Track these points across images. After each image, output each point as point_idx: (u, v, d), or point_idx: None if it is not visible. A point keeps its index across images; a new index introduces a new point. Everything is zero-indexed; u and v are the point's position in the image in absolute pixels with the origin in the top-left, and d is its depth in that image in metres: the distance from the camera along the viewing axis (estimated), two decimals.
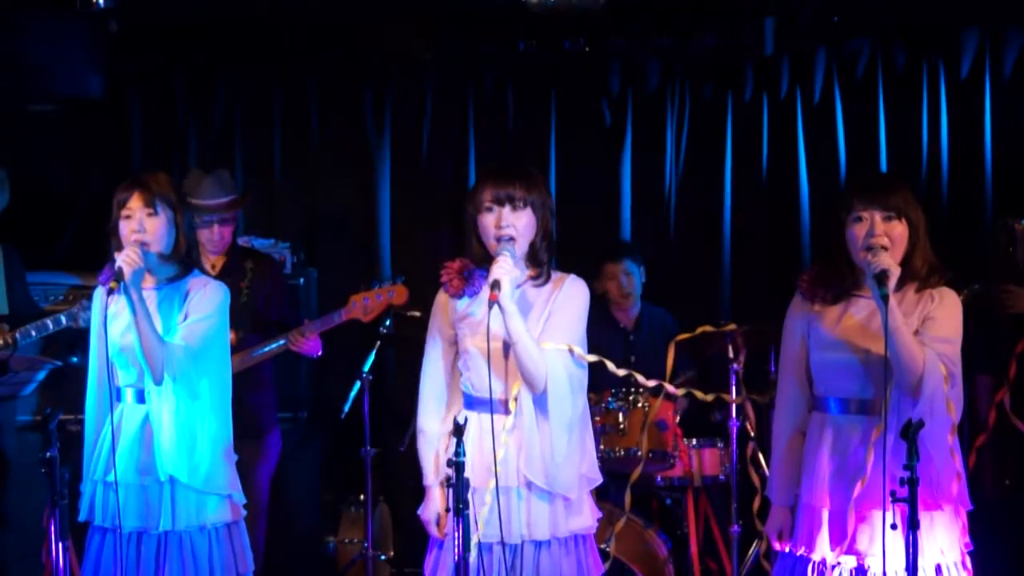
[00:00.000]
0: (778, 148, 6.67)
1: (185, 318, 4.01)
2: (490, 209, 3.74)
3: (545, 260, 3.82)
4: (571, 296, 3.81)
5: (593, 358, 3.86)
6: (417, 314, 5.61)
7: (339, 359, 5.86)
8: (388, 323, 5.65)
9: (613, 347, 5.93)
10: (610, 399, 5.51)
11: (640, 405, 5.50)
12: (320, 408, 6.20)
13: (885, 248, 3.57)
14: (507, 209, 3.72)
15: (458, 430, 3.46)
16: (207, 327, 4.01)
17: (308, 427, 6.19)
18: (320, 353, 5.38)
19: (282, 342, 5.26)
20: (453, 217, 6.46)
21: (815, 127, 6.63)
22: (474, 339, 3.79)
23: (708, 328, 5.23)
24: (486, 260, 3.74)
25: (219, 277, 4.57)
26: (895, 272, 3.52)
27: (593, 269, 6.06)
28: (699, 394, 4.61)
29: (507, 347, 3.71)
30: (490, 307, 3.57)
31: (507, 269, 3.62)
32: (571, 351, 3.75)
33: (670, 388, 4.48)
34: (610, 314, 6.17)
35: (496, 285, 3.57)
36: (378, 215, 6.65)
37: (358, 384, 5.64)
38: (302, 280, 6.20)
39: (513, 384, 3.74)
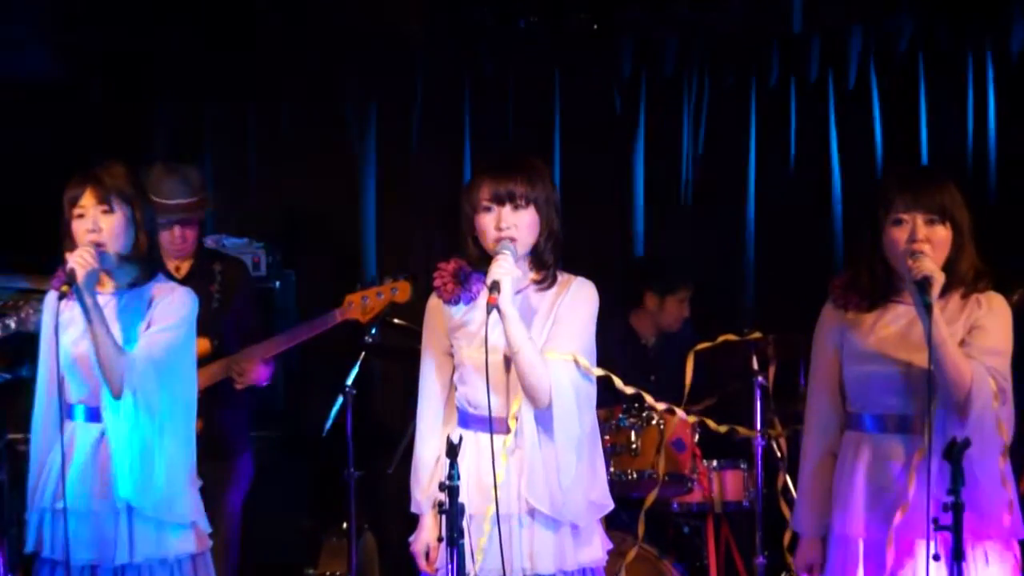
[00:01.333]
0: (808, 137, 6.66)
1: (148, 327, 3.98)
2: (488, 209, 3.71)
3: (551, 263, 3.80)
4: (578, 300, 3.78)
5: (600, 372, 3.83)
6: (404, 322, 5.58)
7: (319, 371, 5.83)
8: (374, 331, 5.63)
9: (632, 363, 5.91)
10: (621, 416, 5.49)
11: (655, 423, 5.48)
12: (298, 426, 6.18)
13: (926, 254, 3.55)
14: (507, 208, 3.69)
15: (452, 450, 3.44)
16: (172, 337, 3.98)
17: (284, 447, 6.17)
18: (268, 382, 5.34)
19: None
20: (446, 214, 6.43)
21: (849, 114, 6.62)
22: (470, 350, 3.77)
23: (730, 337, 5.20)
24: (483, 262, 3.71)
25: (185, 281, 4.53)
26: (939, 279, 3.50)
27: (609, 272, 6.05)
28: (712, 424, 4.59)
29: (508, 360, 3.69)
30: (488, 311, 3.54)
31: (507, 269, 3.59)
32: (576, 362, 3.71)
33: (681, 413, 4.45)
34: (631, 327, 6.15)
35: (495, 287, 3.55)
36: (362, 212, 6.64)
37: (340, 399, 5.61)
38: (278, 283, 6.18)
39: (514, 400, 3.72)
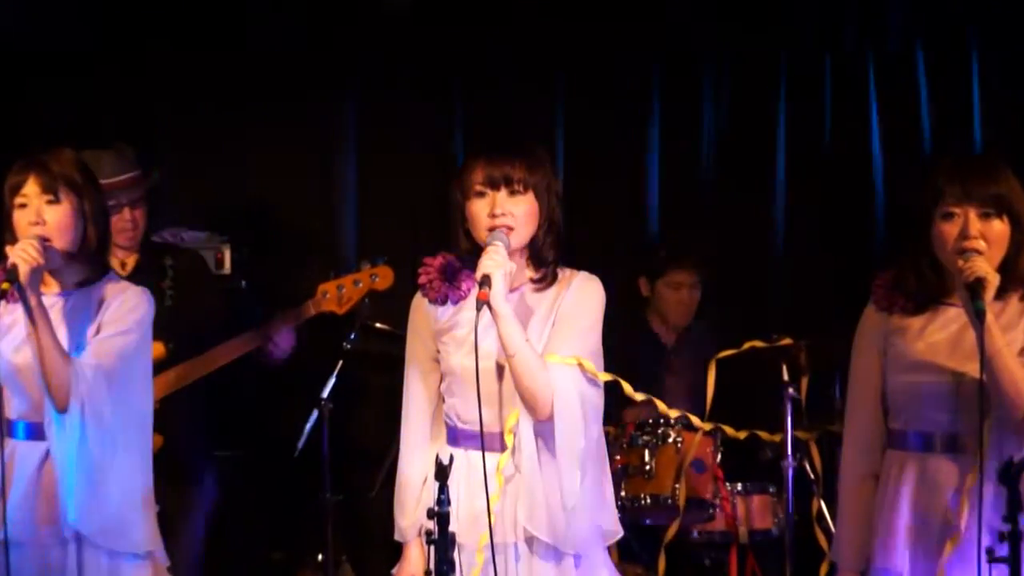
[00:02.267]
0: (844, 114, 6.66)
1: (98, 331, 3.99)
2: (482, 194, 3.72)
3: (551, 259, 3.80)
4: (582, 297, 3.79)
5: (608, 377, 3.83)
6: (387, 326, 5.58)
7: (291, 382, 5.83)
8: (353, 336, 5.63)
9: (648, 367, 5.91)
10: (634, 433, 5.49)
11: (671, 440, 5.48)
12: (267, 444, 6.17)
13: (980, 252, 3.56)
14: (503, 193, 3.70)
15: (441, 471, 3.43)
16: (125, 343, 3.99)
17: (252, 468, 6.17)
18: (292, 347, 5.34)
19: (253, 344, 5.22)
20: (435, 204, 6.43)
21: (891, 86, 6.61)
22: (459, 357, 3.77)
23: (757, 343, 5.21)
24: (475, 257, 3.71)
25: (131, 278, 4.54)
26: (993, 281, 3.50)
27: (621, 268, 6.06)
28: (729, 431, 4.59)
29: (501, 367, 3.69)
30: (478, 308, 3.54)
31: (499, 261, 3.59)
32: (581, 366, 3.72)
33: (695, 420, 4.44)
34: (647, 326, 6.17)
35: (486, 281, 3.55)
36: (342, 204, 6.62)
37: (315, 414, 5.61)
38: (244, 282, 6.17)
39: (510, 413, 3.72)
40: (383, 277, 5.30)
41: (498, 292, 3.56)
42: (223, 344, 5.24)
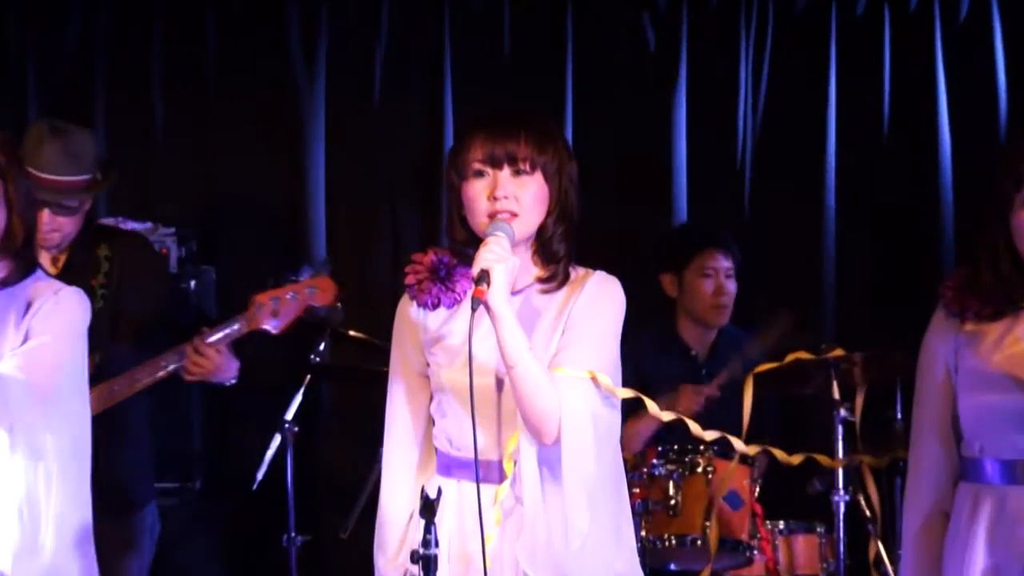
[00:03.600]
0: (906, 87, 6.67)
1: (24, 340, 3.98)
2: (480, 173, 3.71)
3: (562, 254, 3.79)
4: (597, 300, 3.78)
5: (628, 393, 3.82)
6: (363, 335, 5.59)
7: (249, 401, 5.83)
8: (322, 348, 5.63)
9: (678, 383, 5.90)
10: (656, 462, 5.49)
11: (700, 470, 5.49)
12: (221, 474, 6.18)
13: None
14: (506, 172, 3.69)
15: (428, 507, 3.44)
16: (57, 354, 3.97)
17: (203, 502, 6.18)
18: (235, 377, 5.27)
19: (174, 364, 5.18)
20: (423, 189, 6.46)
21: (961, 55, 6.63)
22: (452, 371, 3.76)
23: (803, 355, 5.21)
24: (472, 249, 3.69)
25: (60, 275, 4.53)
26: None
27: (643, 267, 6.06)
28: (780, 455, 4.58)
29: (501, 382, 3.69)
30: (474, 307, 3.53)
31: (500, 254, 3.58)
32: (595, 381, 3.71)
33: (738, 444, 4.43)
34: (676, 334, 6.16)
35: (483, 276, 3.53)
36: (308, 188, 6.63)
37: (278, 438, 5.62)
38: (193, 283, 6.17)
39: (509, 437, 3.71)
40: (322, 290, 5.14)
41: (498, 290, 3.54)
42: (146, 362, 5.18)
